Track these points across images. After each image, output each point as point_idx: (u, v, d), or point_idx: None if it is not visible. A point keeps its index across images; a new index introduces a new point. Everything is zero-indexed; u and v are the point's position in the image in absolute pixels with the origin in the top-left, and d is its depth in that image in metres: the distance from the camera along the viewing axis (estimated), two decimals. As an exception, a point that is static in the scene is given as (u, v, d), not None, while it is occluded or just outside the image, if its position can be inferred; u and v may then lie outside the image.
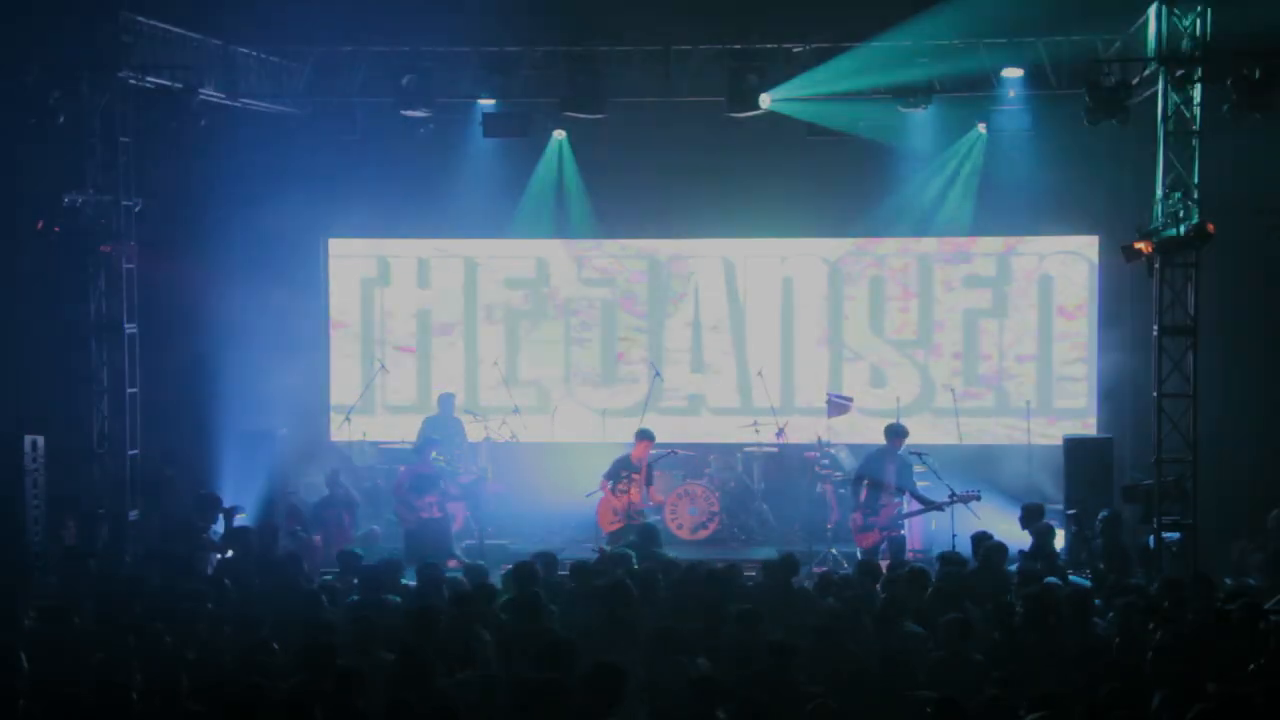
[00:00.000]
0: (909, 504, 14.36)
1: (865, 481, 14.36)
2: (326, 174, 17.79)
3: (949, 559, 11.84)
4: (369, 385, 17.91)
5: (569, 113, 15.87)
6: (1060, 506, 14.92)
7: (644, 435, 15.17)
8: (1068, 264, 17.56)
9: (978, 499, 14.10)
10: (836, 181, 17.11)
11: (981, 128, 16.85)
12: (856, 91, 15.59)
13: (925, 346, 17.79)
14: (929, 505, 14.37)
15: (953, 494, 14.09)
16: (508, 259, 18.32)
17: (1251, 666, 8.61)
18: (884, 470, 14.35)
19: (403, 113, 16.02)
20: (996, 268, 17.71)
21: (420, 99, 15.75)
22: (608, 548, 13.46)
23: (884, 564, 12.62)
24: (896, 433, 14.52)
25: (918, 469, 14.67)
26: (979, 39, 15.20)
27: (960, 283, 17.75)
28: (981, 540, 12.32)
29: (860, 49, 15.32)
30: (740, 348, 17.97)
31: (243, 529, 13.32)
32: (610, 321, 18.22)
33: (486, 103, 16.23)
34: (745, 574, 11.98)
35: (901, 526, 14.37)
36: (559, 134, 17.46)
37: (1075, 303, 17.52)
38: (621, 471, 14.87)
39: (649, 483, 15.02)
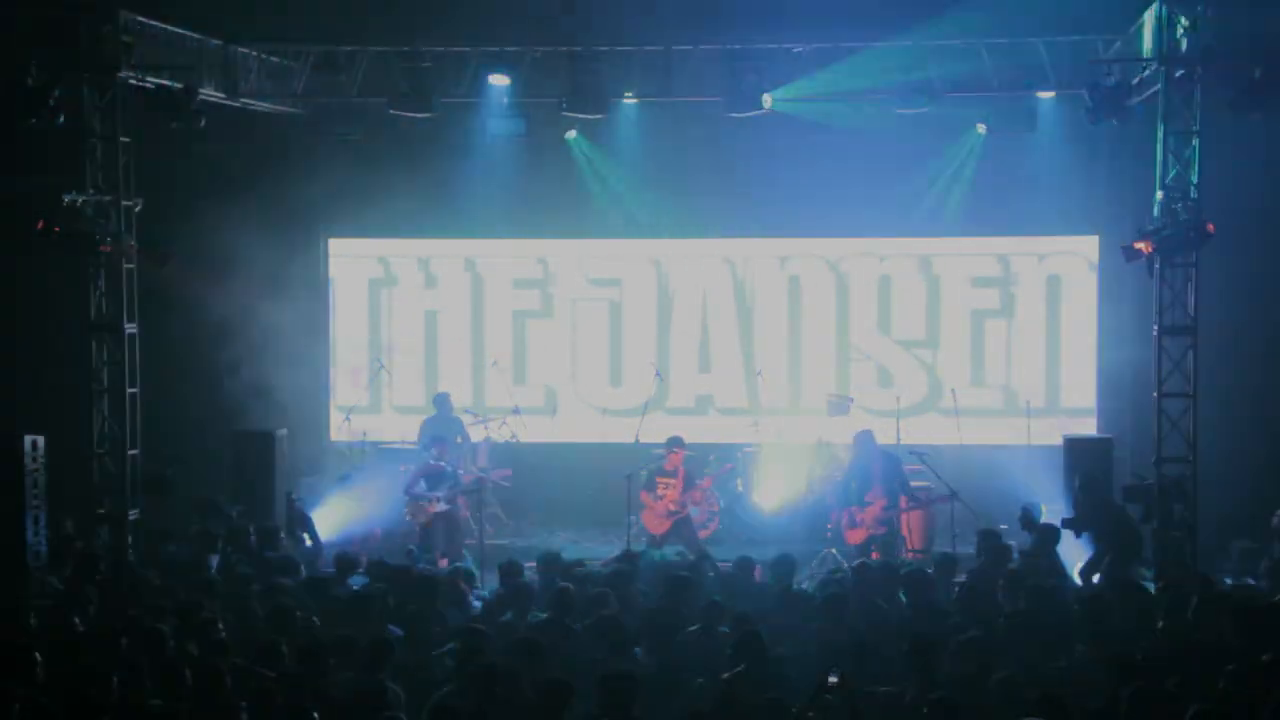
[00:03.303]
0: (902, 502, 14.40)
1: (852, 480, 14.45)
2: (326, 174, 17.79)
3: (942, 561, 11.92)
4: (370, 386, 17.91)
5: (569, 113, 15.87)
6: (1060, 507, 14.90)
7: (675, 443, 15.15)
8: (1068, 264, 17.55)
9: (956, 497, 14.10)
10: (838, 181, 17.11)
11: (981, 128, 16.85)
12: (856, 93, 15.62)
13: (929, 346, 17.78)
14: (918, 504, 14.45)
15: (952, 492, 14.10)
16: (512, 259, 18.29)
17: (1266, 658, 8.58)
18: (870, 470, 14.41)
19: (402, 113, 16.00)
20: (999, 268, 17.69)
21: (420, 99, 15.73)
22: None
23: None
24: (861, 439, 14.63)
25: (915, 468, 14.70)
26: (979, 39, 15.22)
27: (964, 283, 17.73)
28: (986, 538, 12.35)
29: (861, 50, 15.33)
30: (744, 348, 17.96)
31: (241, 529, 13.30)
32: (614, 321, 18.20)
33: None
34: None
35: (890, 524, 14.36)
36: (571, 133, 17.45)
37: (1075, 303, 17.50)
38: (657, 479, 14.90)
39: (687, 487, 15.00)
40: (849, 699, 7.74)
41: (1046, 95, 15.90)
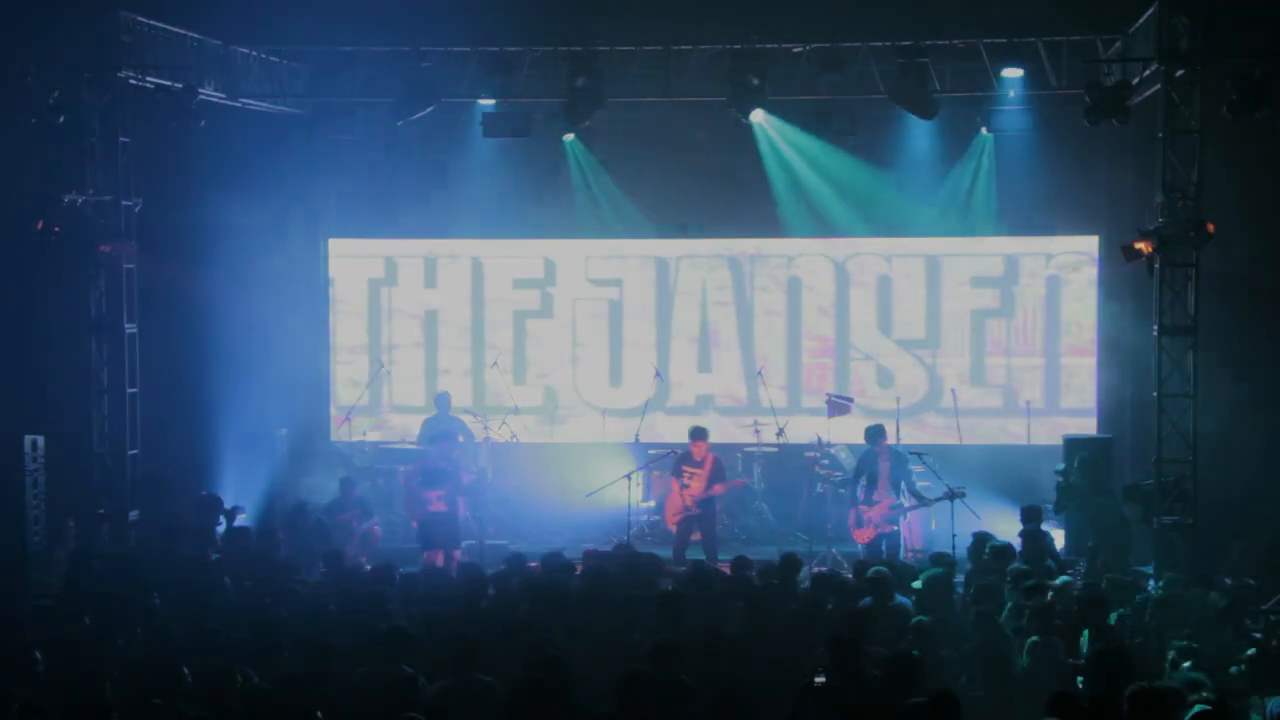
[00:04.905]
0: (907, 500, 14.40)
1: (861, 479, 14.45)
2: (326, 174, 17.79)
3: (939, 559, 11.93)
4: (370, 385, 17.90)
5: (570, 113, 15.86)
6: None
7: (699, 434, 14.96)
8: (1068, 264, 17.53)
9: (963, 496, 14.08)
10: (841, 182, 17.12)
11: (984, 130, 16.83)
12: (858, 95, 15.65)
13: (930, 346, 17.76)
14: (923, 501, 14.46)
15: (949, 490, 14.11)
16: (514, 259, 18.29)
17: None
18: (878, 467, 14.41)
19: (402, 113, 16.01)
20: (1000, 268, 17.67)
21: (420, 99, 15.73)
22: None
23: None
24: (874, 434, 14.60)
25: (916, 468, 14.70)
26: (979, 39, 15.22)
27: (965, 283, 17.71)
28: (982, 540, 12.33)
29: (861, 50, 15.34)
30: (745, 348, 17.95)
31: (242, 530, 13.31)
32: (615, 321, 18.20)
33: (486, 102, 16.22)
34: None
35: (897, 523, 14.36)
36: (568, 136, 17.42)
37: (1075, 303, 17.48)
38: (683, 467, 14.83)
39: (715, 477, 14.89)
40: (836, 700, 7.74)
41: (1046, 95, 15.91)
